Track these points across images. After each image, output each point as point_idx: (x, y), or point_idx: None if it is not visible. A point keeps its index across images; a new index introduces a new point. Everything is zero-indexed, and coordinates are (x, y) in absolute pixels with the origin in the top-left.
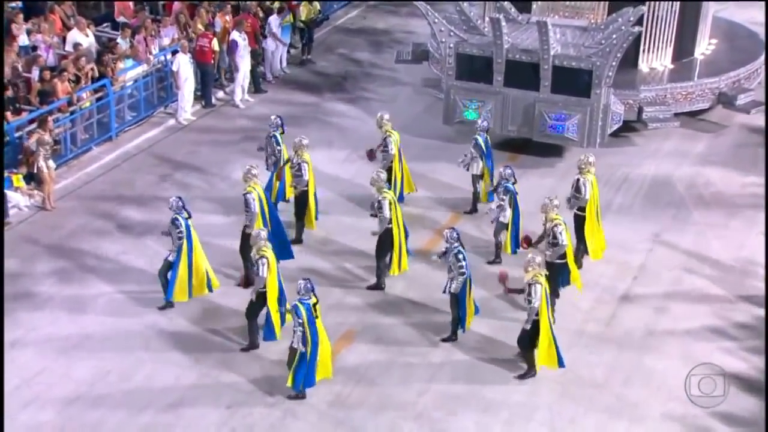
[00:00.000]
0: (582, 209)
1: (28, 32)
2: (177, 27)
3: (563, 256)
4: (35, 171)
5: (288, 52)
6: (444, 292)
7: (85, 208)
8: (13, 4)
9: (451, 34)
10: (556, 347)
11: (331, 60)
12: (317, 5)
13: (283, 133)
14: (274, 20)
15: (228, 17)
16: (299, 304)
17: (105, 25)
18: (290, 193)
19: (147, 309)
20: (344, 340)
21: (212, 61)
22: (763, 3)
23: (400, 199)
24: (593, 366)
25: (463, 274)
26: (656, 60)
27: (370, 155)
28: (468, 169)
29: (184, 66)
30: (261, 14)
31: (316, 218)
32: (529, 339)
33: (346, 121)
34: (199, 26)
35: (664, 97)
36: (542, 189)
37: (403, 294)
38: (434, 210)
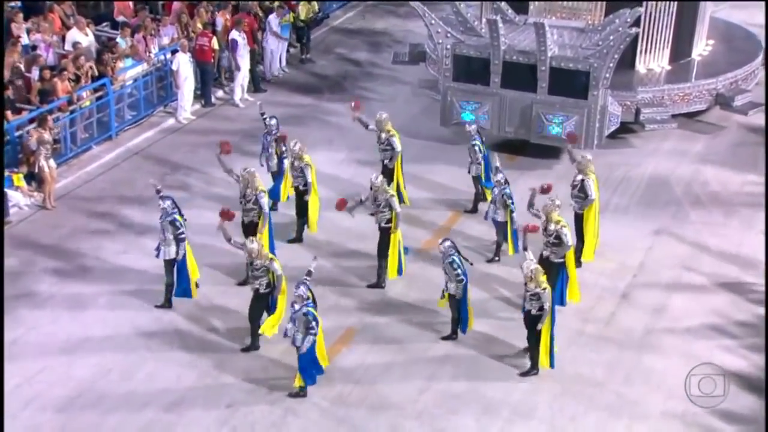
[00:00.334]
0: (581, 208)
1: (27, 31)
2: (177, 26)
3: (562, 255)
4: (36, 170)
5: (287, 51)
6: (442, 296)
7: (86, 207)
8: (13, 4)
9: (448, 35)
10: (551, 347)
11: (329, 60)
12: (315, 4)
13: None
14: (273, 19)
15: (229, 16)
16: (312, 310)
17: (104, 24)
18: (284, 197)
19: (148, 308)
20: (344, 339)
21: (212, 60)
22: (757, 5)
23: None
24: (593, 364)
25: (461, 281)
26: (653, 61)
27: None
28: (470, 172)
29: (183, 65)
30: (261, 13)
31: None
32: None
33: (346, 121)
34: (199, 25)
35: (662, 99)
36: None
37: (403, 294)
38: (433, 210)
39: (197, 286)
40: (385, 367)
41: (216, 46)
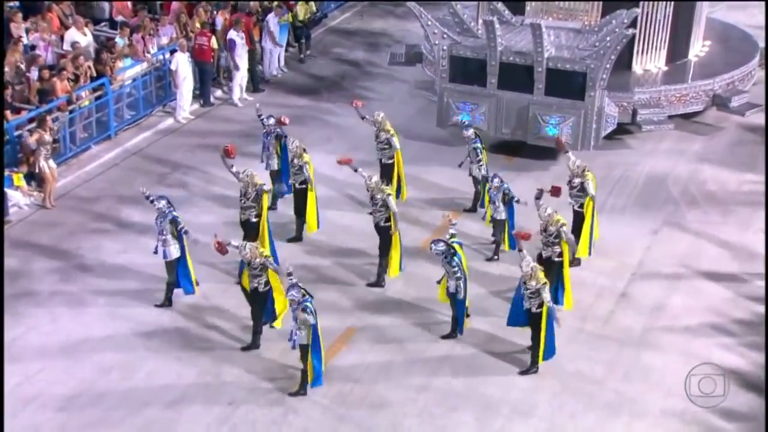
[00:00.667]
0: (581, 206)
1: (26, 31)
2: (176, 26)
3: (561, 254)
4: (36, 170)
5: (286, 50)
6: (439, 282)
7: (85, 206)
8: (12, 3)
9: (445, 36)
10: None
11: (327, 60)
12: (313, 5)
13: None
14: (272, 18)
15: (228, 16)
16: (309, 304)
17: (103, 24)
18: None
19: (147, 306)
20: (344, 338)
21: (211, 60)
22: (753, 5)
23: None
24: (593, 362)
25: (459, 278)
26: (650, 62)
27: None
28: (471, 173)
29: (182, 65)
30: (260, 12)
31: (318, 224)
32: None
33: (344, 121)
34: (197, 25)
35: (659, 100)
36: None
37: (402, 292)
38: (432, 210)
39: (197, 284)
40: (385, 366)
41: (215, 45)
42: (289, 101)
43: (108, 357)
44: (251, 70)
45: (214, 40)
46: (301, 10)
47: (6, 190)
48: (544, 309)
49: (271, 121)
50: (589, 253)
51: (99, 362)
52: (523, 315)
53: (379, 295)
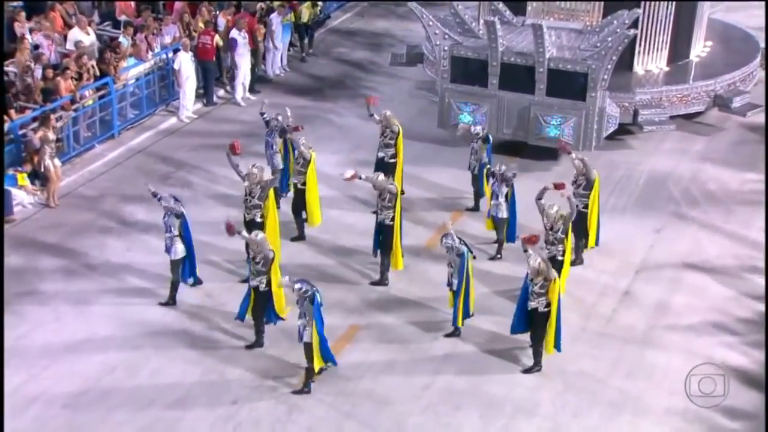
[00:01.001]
0: (585, 206)
1: (30, 31)
2: (179, 25)
3: (564, 252)
4: (41, 169)
5: (288, 50)
6: (448, 284)
7: (89, 205)
8: (15, 3)
9: (446, 36)
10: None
11: (329, 60)
12: (318, 5)
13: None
14: (275, 18)
15: (231, 17)
16: (316, 294)
17: (106, 23)
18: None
19: (152, 305)
20: (348, 336)
21: (214, 59)
22: (752, 5)
23: None
24: (596, 361)
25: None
26: (652, 62)
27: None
28: (474, 170)
29: (185, 64)
30: (263, 11)
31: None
32: (542, 331)
33: (346, 120)
34: (201, 24)
35: (660, 100)
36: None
37: (406, 290)
38: (434, 209)
39: (200, 282)
40: (388, 364)
41: (221, 43)
42: (291, 101)
43: (112, 355)
44: (252, 70)
45: (217, 38)
46: (306, 13)
47: (10, 189)
48: (553, 307)
49: (280, 118)
50: (597, 243)
51: (103, 360)
52: (525, 319)
53: (383, 294)
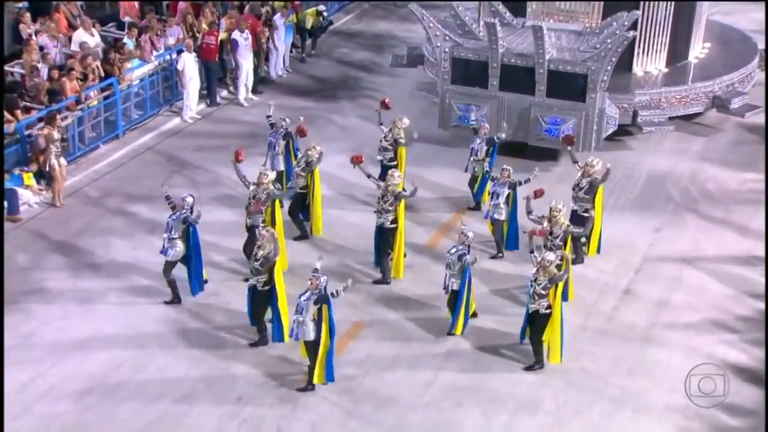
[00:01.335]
0: (586, 210)
1: (35, 32)
2: (182, 26)
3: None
4: (47, 169)
5: (291, 51)
6: (444, 288)
7: (94, 204)
8: (20, 5)
9: (447, 38)
10: (561, 342)
11: (330, 61)
12: (322, 9)
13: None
14: (278, 19)
15: (233, 19)
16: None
17: (110, 25)
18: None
19: (157, 303)
20: (351, 333)
21: (217, 59)
22: (746, 11)
23: None
24: (597, 358)
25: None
26: (651, 64)
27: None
28: (474, 171)
29: (189, 65)
30: (270, 13)
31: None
32: (542, 331)
33: (347, 121)
34: (204, 26)
35: (659, 101)
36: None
37: (408, 289)
38: (435, 209)
39: (206, 281)
40: (391, 361)
41: (225, 36)
42: (294, 102)
43: (118, 353)
44: (254, 71)
45: (224, 35)
46: (309, 20)
47: (16, 188)
48: (557, 308)
49: (288, 121)
50: (598, 251)
51: (110, 358)
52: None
53: (386, 292)
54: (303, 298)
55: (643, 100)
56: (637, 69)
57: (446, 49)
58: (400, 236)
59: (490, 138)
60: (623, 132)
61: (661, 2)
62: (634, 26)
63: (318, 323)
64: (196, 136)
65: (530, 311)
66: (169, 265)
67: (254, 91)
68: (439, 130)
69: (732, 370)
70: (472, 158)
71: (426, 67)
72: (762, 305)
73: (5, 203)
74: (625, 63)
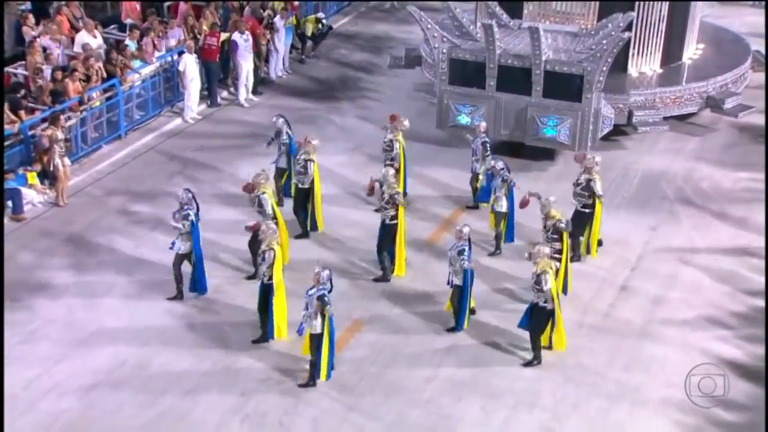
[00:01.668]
0: (585, 206)
1: (38, 34)
2: (183, 28)
3: (560, 251)
4: (51, 168)
5: (290, 53)
6: (448, 283)
7: (97, 203)
8: (23, 6)
9: (444, 39)
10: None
11: (329, 63)
12: (321, 17)
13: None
14: (278, 21)
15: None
16: (326, 293)
17: (112, 26)
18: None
19: (160, 300)
20: (352, 329)
21: (218, 60)
22: (741, 15)
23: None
24: (594, 354)
25: (465, 270)
26: (645, 65)
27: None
28: (476, 170)
29: (190, 66)
30: (272, 16)
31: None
32: (540, 326)
33: (346, 121)
34: (205, 28)
35: (654, 101)
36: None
37: (408, 285)
38: (436, 205)
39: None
40: (392, 357)
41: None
42: (293, 102)
43: (123, 349)
44: (255, 72)
45: (224, 36)
46: (309, 27)
47: (21, 188)
48: (556, 307)
49: (281, 120)
50: (596, 252)
51: (114, 354)
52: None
53: (386, 288)
54: (309, 293)
55: (638, 101)
56: (632, 70)
57: (444, 51)
58: (401, 233)
59: (483, 141)
60: (619, 132)
61: (655, 4)
62: (629, 27)
63: (323, 318)
64: (197, 136)
65: (531, 303)
66: (179, 258)
67: (254, 91)
68: (437, 131)
69: (727, 365)
70: (473, 158)
71: (424, 68)
72: (757, 302)
73: (10, 203)
74: (620, 64)
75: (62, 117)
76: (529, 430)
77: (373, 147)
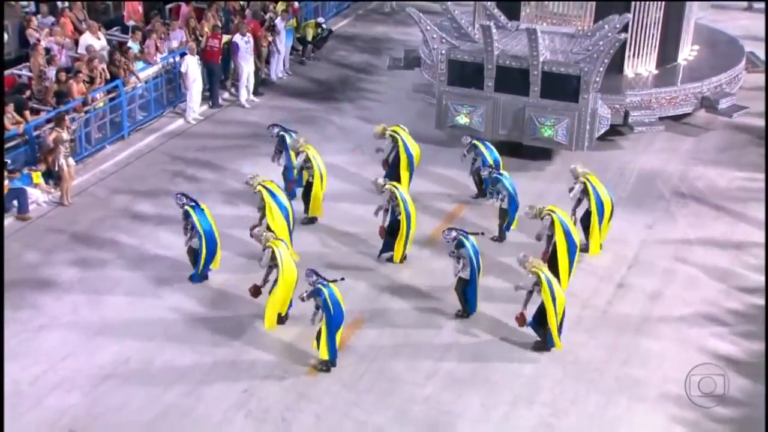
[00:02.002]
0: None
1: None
2: (185, 30)
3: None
4: (56, 168)
5: (290, 54)
6: (455, 276)
7: (101, 203)
8: (27, 9)
9: (443, 41)
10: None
11: (328, 64)
12: (321, 22)
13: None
14: (279, 23)
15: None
16: (322, 287)
17: (115, 28)
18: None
19: (164, 296)
20: (353, 325)
21: (220, 62)
22: (735, 18)
23: None
24: (592, 350)
25: (464, 262)
26: (641, 66)
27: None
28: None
29: (192, 67)
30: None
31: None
32: (537, 320)
33: (346, 121)
34: (206, 29)
35: (649, 102)
36: (532, 192)
37: (410, 280)
38: (437, 201)
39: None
40: (393, 353)
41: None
42: (294, 103)
43: (127, 345)
44: (255, 74)
45: (225, 38)
46: (310, 32)
47: (26, 188)
48: (548, 303)
49: (275, 130)
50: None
51: (119, 351)
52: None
53: (388, 283)
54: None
55: (634, 101)
56: (628, 71)
57: (443, 52)
58: (403, 227)
59: (471, 144)
60: (615, 132)
61: (651, 6)
62: (625, 29)
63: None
64: (199, 136)
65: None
66: (191, 250)
67: (255, 92)
68: (436, 131)
69: (723, 361)
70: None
71: (423, 69)
72: (752, 299)
73: (15, 202)
74: (616, 65)
75: (67, 118)
76: (529, 426)
77: (373, 147)
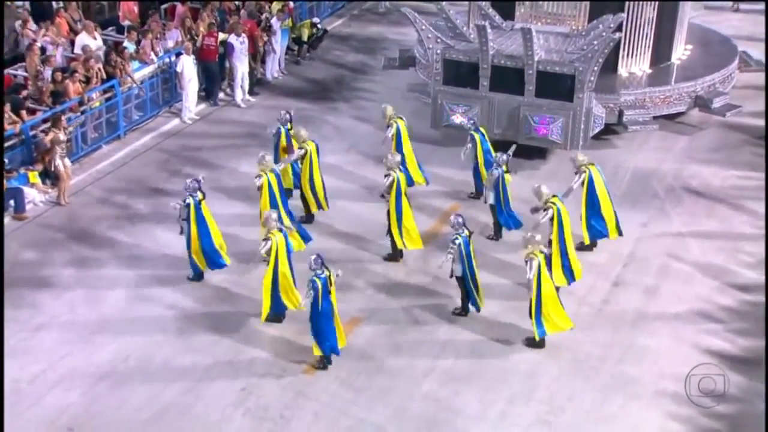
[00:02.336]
0: None
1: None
2: (181, 30)
3: (550, 242)
4: (52, 169)
5: (286, 54)
6: (450, 276)
7: (98, 202)
8: (21, 8)
9: (438, 40)
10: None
11: (324, 64)
12: (316, 21)
13: (291, 128)
14: (275, 22)
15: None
16: (316, 279)
17: (110, 28)
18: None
19: (162, 295)
20: (351, 322)
21: (216, 60)
22: (729, 19)
23: (410, 182)
24: (588, 347)
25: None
26: (635, 65)
27: None
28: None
29: (188, 67)
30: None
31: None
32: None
33: (341, 121)
34: (202, 29)
35: (643, 101)
36: (527, 191)
37: (408, 278)
38: (435, 197)
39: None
40: (391, 350)
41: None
42: (289, 103)
43: (126, 344)
44: (250, 73)
45: (222, 36)
46: (305, 32)
47: (23, 187)
48: (544, 286)
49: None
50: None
51: (117, 349)
52: None
53: (386, 280)
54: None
55: (629, 100)
56: (623, 70)
57: (438, 51)
58: (393, 217)
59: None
60: (609, 131)
61: (645, 6)
62: (619, 28)
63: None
64: (196, 136)
65: None
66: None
67: (251, 92)
68: (431, 130)
69: (717, 358)
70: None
71: (417, 69)
72: (745, 296)
73: (12, 202)
74: (610, 64)
75: (63, 119)
76: (526, 423)
77: (368, 146)
